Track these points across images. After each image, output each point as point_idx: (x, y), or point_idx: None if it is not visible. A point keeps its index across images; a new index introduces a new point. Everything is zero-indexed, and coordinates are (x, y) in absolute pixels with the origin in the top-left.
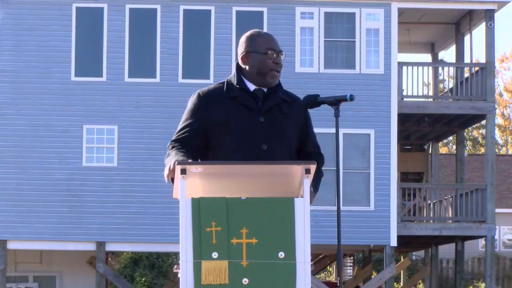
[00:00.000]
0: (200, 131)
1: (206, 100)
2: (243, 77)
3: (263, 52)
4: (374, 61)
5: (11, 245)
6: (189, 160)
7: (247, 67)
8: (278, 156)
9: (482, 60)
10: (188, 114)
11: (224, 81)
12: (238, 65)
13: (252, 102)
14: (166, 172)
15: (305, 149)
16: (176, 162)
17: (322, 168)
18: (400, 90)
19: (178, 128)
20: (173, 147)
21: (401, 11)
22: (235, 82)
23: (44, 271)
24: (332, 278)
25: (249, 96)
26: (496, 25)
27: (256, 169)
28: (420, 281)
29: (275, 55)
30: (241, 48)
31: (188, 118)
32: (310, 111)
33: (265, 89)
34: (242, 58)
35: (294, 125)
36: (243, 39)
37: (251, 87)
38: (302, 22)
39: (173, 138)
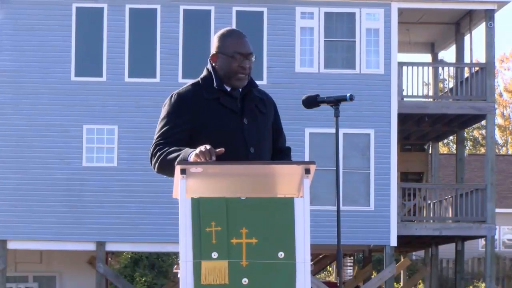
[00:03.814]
0: (185, 133)
1: (188, 102)
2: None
3: (230, 55)
4: (374, 61)
5: (11, 245)
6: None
7: (216, 67)
8: (264, 157)
9: (482, 60)
10: (171, 116)
11: (199, 81)
12: (212, 65)
13: (233, 103)
14: (193, 157)
15: (276, 145)
16: (176, 162)
17: (325, 168)
18: (400, 90)
19: (161, 131)
20: (159, 150)
21: (401, 11)
22: (213, 83)
23: (44, 271)
24: (332, 278)
25: (229, 97)
26: (496, 25)
27: (256, 169)
28: (420, 281)
29: (242, 59)
30: (212, 47)
31: (169, 121)
32: (310, 111)
33: (240, 89)
34: (212, 57)
35: (269, 123)
36: (215, 37)
37: (227, 87)
38: (302, 22)
39: (157, 140)
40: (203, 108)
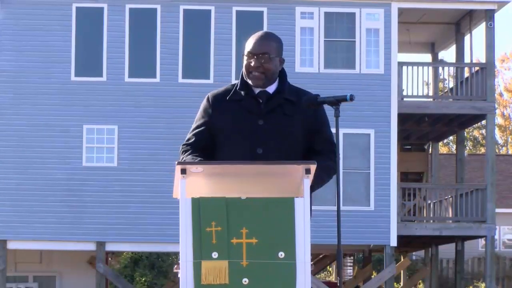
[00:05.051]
0: (207, 133)
1: (213, 104)
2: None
3: (244, 54)
4: (374, 61)
5: (11, 245)
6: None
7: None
8: (275, 158)
9: (482, 60)
10: (198, 116)
11: (236, 83)
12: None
13: (254, 105)
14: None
15: (314, 147)
16: (176, 162)
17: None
18: (400, 90)
19: (190, 129)
20: (184, 151)
21: (401, 11)
22: (242, 84)
23: (44, 271)
24: (332, 278)
25: (253, 99)
26: (496, 25)
27: (256, 169)
28: (420, 281)
29: (252, 58)
30: None
31: (197, 120)
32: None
33: (270, 91)
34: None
35: (299, 125)
36: None
37: (256, 89)
38: (302, 22)
39: (186, 140)
40: (223, 109)
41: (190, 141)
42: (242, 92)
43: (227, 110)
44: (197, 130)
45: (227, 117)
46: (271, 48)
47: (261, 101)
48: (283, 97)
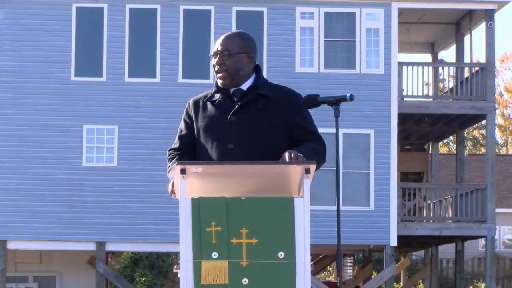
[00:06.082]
0: (190, 137)
1: (192, 107)
2: None
3: (211, 56)
4: (374, 61)
5: (11, 245)
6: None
7: None
8: (247, 153)
9: (482, 60)
10: (181, 122)
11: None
12: None
13: (227, 102)
14: (170, 188)
15: (296, 139)
16: (177, 162)
17: (325, 168)
18: (400, 90)
19: (176, 135)
20: (171, 158)
21: (401, 11)
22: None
23: (44, 271)
24: (332, 278)
25: (227, 98)
26: (496, 25)
27: (256, 169)
28: (420, 281)
29: (216, 57)
30: None
31: (180, 126)
32: (310, 111)
33: (244, 88)
34: None
35: (275, 120)
36: None
37: (232, 89)
38: (302, 22)
39: (173, 145)
40: (200, 111)
41: (175, 146)
42: (218, 94)
43: (204, 112)
44: (180, 135)
45: (204, 118)
46: (232, 45)
47: (235, 99)
48: (257, 92)
